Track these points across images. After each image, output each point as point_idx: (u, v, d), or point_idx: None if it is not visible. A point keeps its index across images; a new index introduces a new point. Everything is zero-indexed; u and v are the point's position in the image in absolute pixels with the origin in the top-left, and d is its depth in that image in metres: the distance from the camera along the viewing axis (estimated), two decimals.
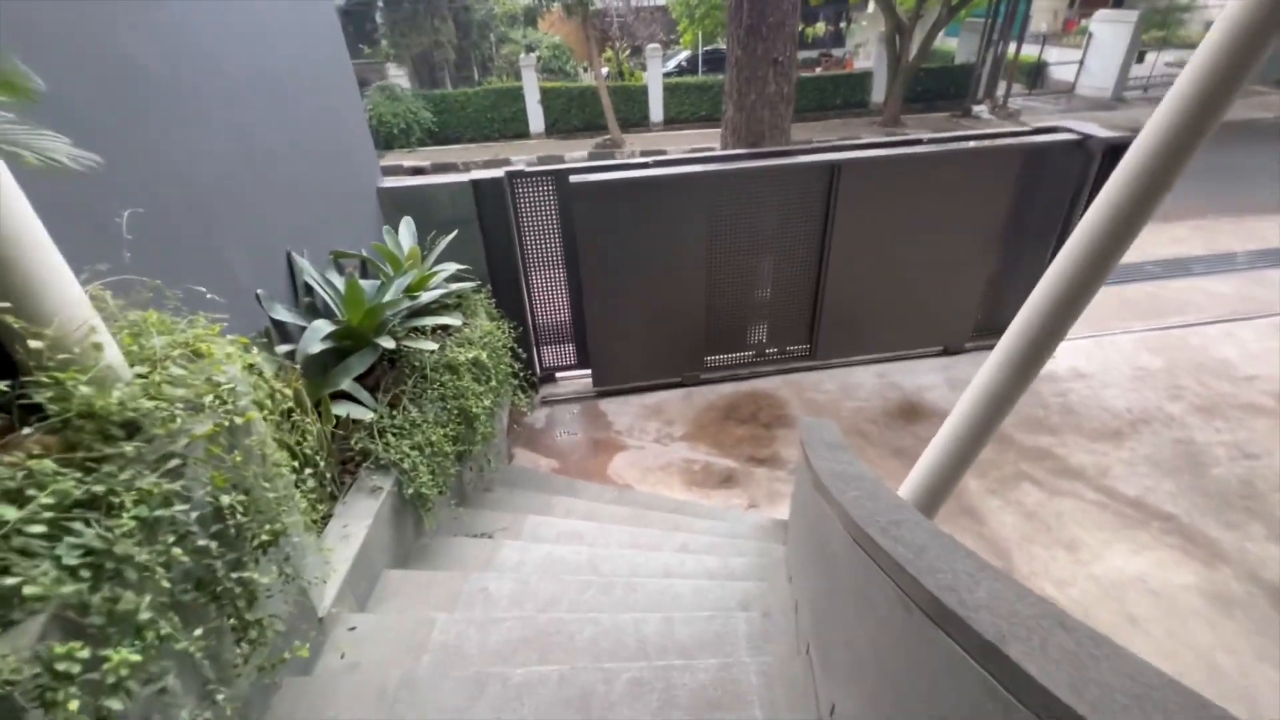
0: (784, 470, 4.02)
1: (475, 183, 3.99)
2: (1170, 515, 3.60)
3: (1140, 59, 17.12)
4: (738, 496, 3.84)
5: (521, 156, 12.70)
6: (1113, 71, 16.62)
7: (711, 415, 4.57)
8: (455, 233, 3.69)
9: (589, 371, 4.77)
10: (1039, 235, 4.67)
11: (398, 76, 14.41)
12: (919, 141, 4.44)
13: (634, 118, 15.56)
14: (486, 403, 3.12)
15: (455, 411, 2.98)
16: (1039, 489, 3.81)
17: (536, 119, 15.07)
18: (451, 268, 3.75)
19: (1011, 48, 15.39)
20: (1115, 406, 4.46)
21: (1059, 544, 3.45)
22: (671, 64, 18.59)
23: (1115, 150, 4.16)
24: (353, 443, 2.57)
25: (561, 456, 4.25)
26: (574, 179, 3.87)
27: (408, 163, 12.81)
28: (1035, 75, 17.68)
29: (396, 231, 3.70)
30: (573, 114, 15.27)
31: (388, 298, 3.04)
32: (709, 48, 18.73)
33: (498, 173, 4.07)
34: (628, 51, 16.69)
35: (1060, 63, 17.98)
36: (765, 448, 4.23)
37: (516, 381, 3.85)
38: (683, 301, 4.44)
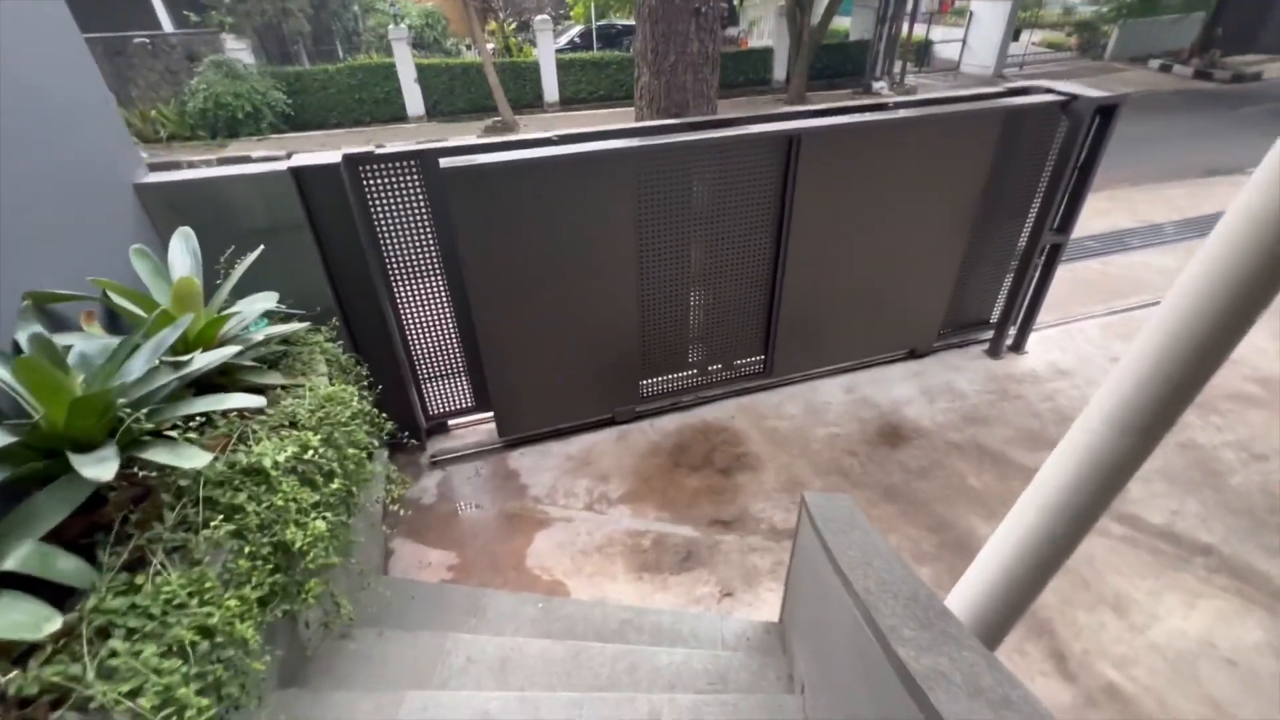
0: (756, 535, 3.11)
1: (297, 172, 2.73)
2: (1208, 547, 3.02)
3: (1016, 37, 17.78)
4: (705, 582, 2.88)
5: (398, 142, 11.02)
6: (993, 50, 17.14)
7: (656, 463, 3.58)
8: (261, 249, 2.42)
9: (492, 414, 3.63)
10: (1012, 214, 4.02)
11: (238, 50, 12.15)
12: (884, 107, 3.62)
13: (526, 98, 14.16)
14: (322, 525, 1.94)
15: (265, 551, 1.79)
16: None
17: (414, 100, 13.31)
18: (264, 302, 2.49)
19: (905, 26, 15.39)
20: None
21: (1104, 603, 2.77)
22: (563, 40, 17.25)
23: (1105, 111, 3.54)
24: (30, 675, 1.33)
25: (461, 545, 3.11)
26: (445, 163, 2.71)
27: (257, 152, 10.79)
28: (923, 53, 17.97)
29: (168, 250, 2.38)
30: (456, 94, 13.63)
31: (135, 371, 1.79)
32: (603, 22, 17.55)
33: (330, 157, 2.81)
34: (514, 25, 15.19)
35: (944, 41, 18.40)
36: (728, 503, 3.30)
37: (387, 448, 2.65)
38: (608, 314, 3.40)
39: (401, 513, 3.17)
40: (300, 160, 2.78)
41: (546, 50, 13.67)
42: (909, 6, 15.11)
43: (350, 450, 2.28)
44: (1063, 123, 3.66)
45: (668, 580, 2.90)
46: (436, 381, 3.64)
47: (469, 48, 16.65)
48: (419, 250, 3.16)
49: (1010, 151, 3.71)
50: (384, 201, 3.00)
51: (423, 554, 3.06)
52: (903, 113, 3.42)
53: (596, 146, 2.92)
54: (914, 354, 4.43)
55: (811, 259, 3.63)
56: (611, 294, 3.33)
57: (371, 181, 2.94)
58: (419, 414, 3.64)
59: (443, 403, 3.72)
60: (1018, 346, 4.44)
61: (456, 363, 3.59)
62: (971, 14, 17.79)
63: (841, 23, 18.85)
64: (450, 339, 3.49)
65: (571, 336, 3.39)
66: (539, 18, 13.30)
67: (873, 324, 4.13)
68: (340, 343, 2.80)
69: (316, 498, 2.00)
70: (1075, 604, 2.77)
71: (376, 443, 2.63)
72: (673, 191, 3.17)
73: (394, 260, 3.16)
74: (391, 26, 12.48)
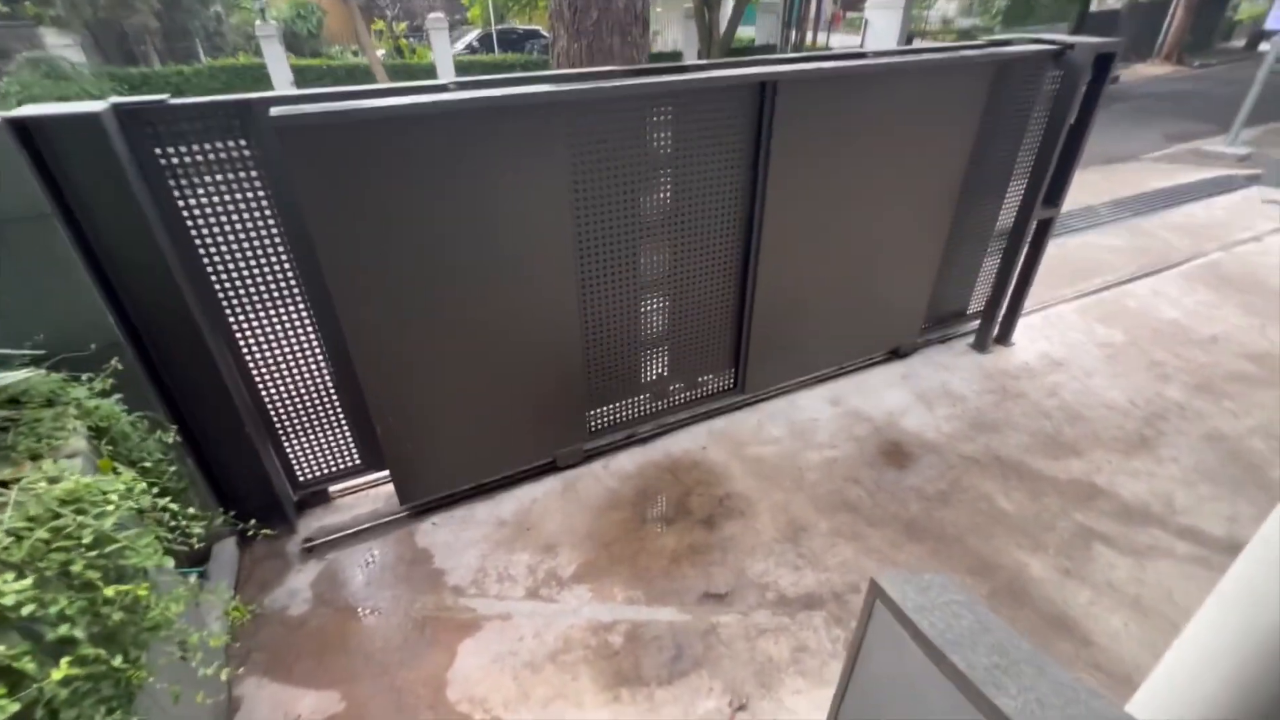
0: (763, 609, 2.33)
1: (25, 127, 1.71)
2: None
3: (909, 42, 18.49)
4: (707, 691, 2.06)
5: None
6: None
7: (618, 520, 2.73)
8: None
9: (388, 473, 2.66)
10: (998, 186, 3.52)
11: (63, 47, 10.23)
12: (863, 55, 3.01)
13: None
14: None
15: None
16: (1118, 552, 2.56)
17: None
18: None
19: (808, 33, 15.54)
20: (1116, 401, 3.47)
21: None
22: (461, 45, 16.17)
23: (1103, 60, 3.09)
24: None
25: (349, 679, 2.12)
26: (278, 113, 1.77)
27: None
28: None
29: None
30: None
31: None
32: (503, 26, 16.63)
33: (88, 106, 1.81)
34: (404, 26, 13.99)
35: (843, 47, 18.88)
36: (718, 566, 2.51)
37: (236, 536, 1.65)
38: (539, 328, 2.55)
39: (247, 623, 2.15)
40: (33, 110, 1.75)
41: (443, 52, 12.60)
42: (812, 13, 15.26)
43: (110, 590, 1.29)
44: (1050, 78, 3.18)
45: (655, 695, 2.05)
46: (306, 436, 2.62)
47: (355, 54, 15.23)
48: (259, 251, 2.18)
49: (998, 111, 3.19)
50: (194, 179, 2.00)
51: (288, 701, 2.05)
52: (885, 60, 2.81)
53: (513, 93, 2.07)
54: (897, 354, 3.85)
55: (787, 246, 2.94)
56: (542, 300, 2.48)
57: (169, 149, 1.94)
58: (282, 483, 2.61)
59: (318, 464, 2.70)
60: (1004, 338, 3.96)
61: (332, 408, 2.59)
62: (866, 22, 18.36)
63: (745, 31, 18.98)
64: (320, 376, 2.50)
65: (492, 360, 2.50)
66: (432, 15, 12.21)
67: (854, 322, 3.49)
68: (122, 397, 1.78)
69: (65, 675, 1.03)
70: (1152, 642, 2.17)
71: (197, 541, 1.63)
72: (620, 159, 2.37)
73: (222, 268, 2.16)
74: (259, 22, 10.99)
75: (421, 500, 2.74)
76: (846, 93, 2.69)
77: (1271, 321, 4.29)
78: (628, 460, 3.05)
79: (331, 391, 2.55)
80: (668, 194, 2.59)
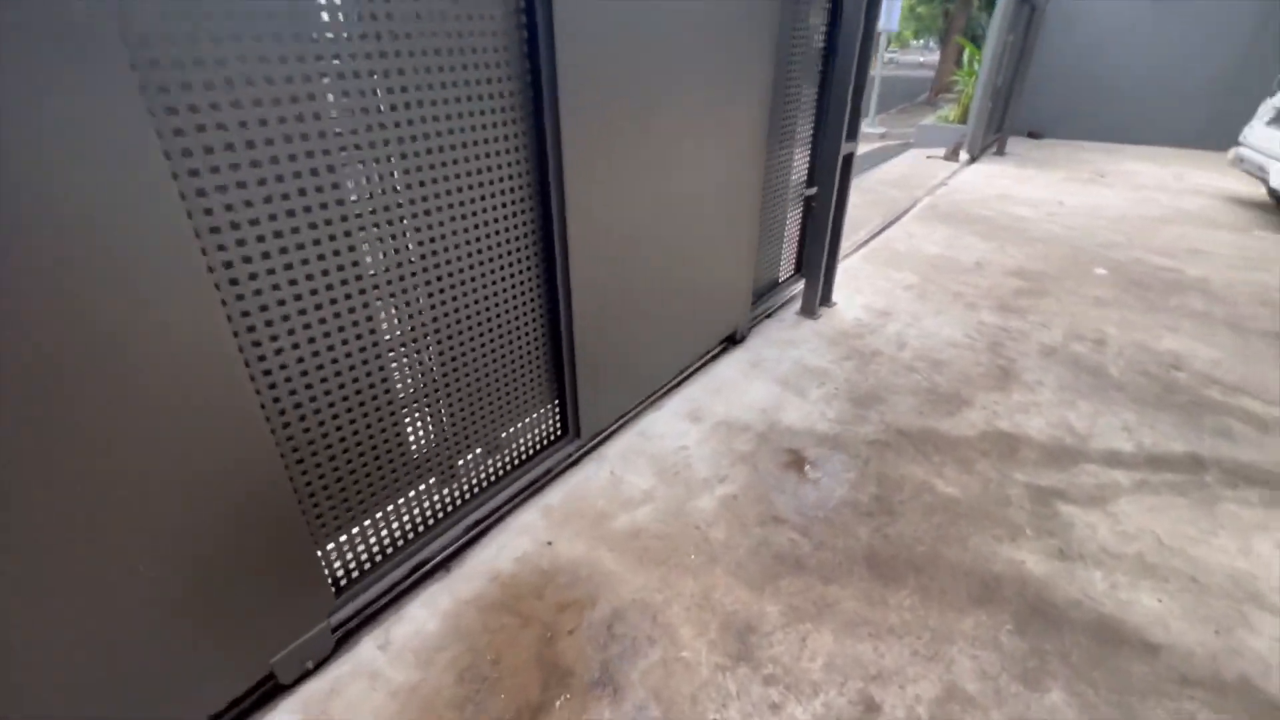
0: None
1: None
2: (1199, 458, 2.34)
3: None
4: None
5: None
6: None
7: None
8: None
9: None
10: (799, 119, 3.02)
11: None
12: None
13: None
14: None
15: None
16: (1079, 506, 2.09)
17: None
18: None
19: None
20: (954, 337, 3.21)
21: (1239, 591, 1.74)
22: None
23: None
24: None
25: None
26: None
27: None
28: None
29: None
30: None
31: None
32: None
33: None
34: None
35: None
36: None
37: None
38: (169, 426, 1.10)
39: None
40: None
41: None
42: None
43: None
44: None
45: None
46: None
47: None
48: None
49: (791, 34, 2.64)
50: None
51: None
52: None
53: None
54: (733, 340, 3.12)
55: (601, 230, 1.93)
56: (152, 377, 1.04)
57: None
58: None
59: None
60: (826, 298, 3.52)
61: None
62: None
63: None
64: None
65: (74, 500, 0.97)
66: None
67: (689, 312, 2.63)
68: None
69: None
70: (1201, 616, 1.67)
71: None
72: (278, 107, 1.08)
73: None
74: None
75: None
76: (641, 16, 1.78)
77: (1004, 242, 4.68)
78: (424, 613, 1.69)
79: None
80: (398, 173, 1.37)
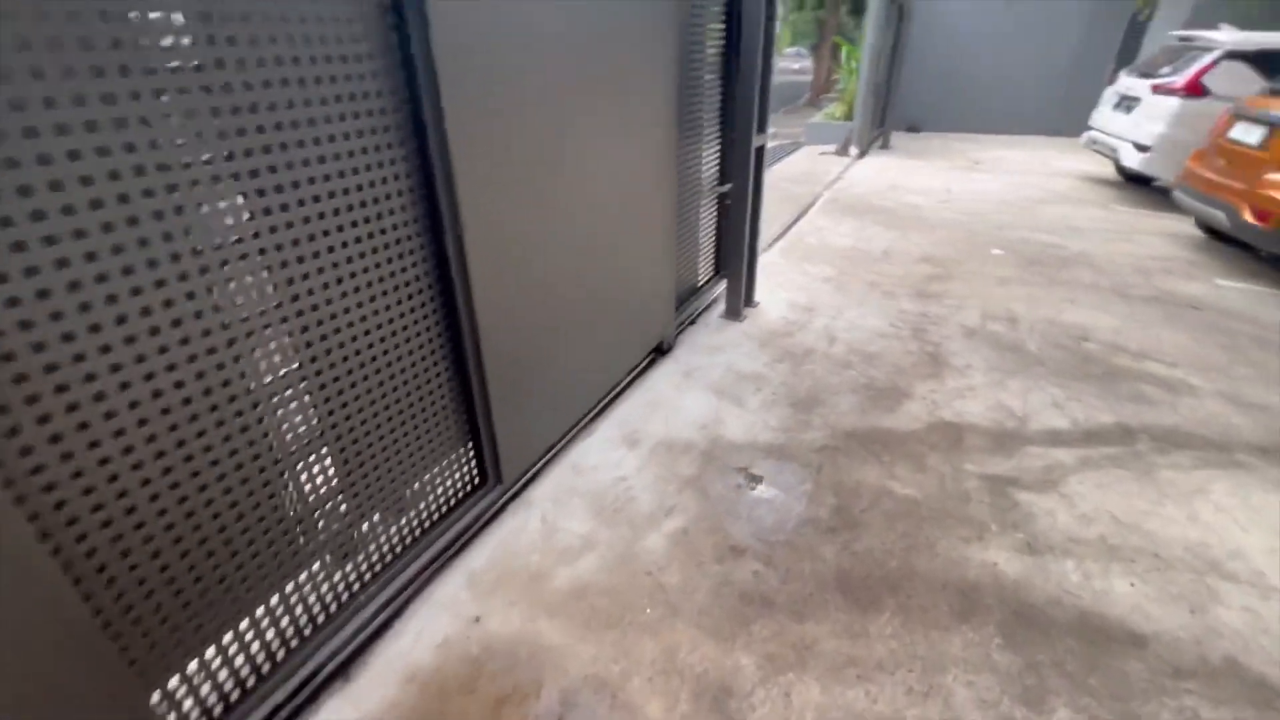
0: None
1: None
2: (1127, 428, 2.37)
3: None
4: None
5: None
6: None
7: None
8: None
9: None
10: (707, 111, 2.85)
11: None
12: None
13: None
14: None
15: None
16: (1035, 492, 2.02)
17: None
18: None
19: None
20: (880, 327, 3.16)
21: (1197, 559, 1.71)
22: None
23: None
24: None
25: None
26: None
27: None
28: None
29: None
30: None
31: None
32: None
33: None
34: None
35: None
36: None
37: None
38: None
39: None
40: None
41: None
42: None
43: None
44: None
45: None
46: None
47: None
48: None
49: (693, 25, 2.46)
50: None
51: None
52: None
53: None
54: (660, 351, 2.90)
55: (507, 240, 1.63)
56: None
57: None
58: None
59: None
60: (749, 298, 3.39)
61: None
62: None
63: None
64: None
65: None
66: None
67: (612, 326, 2.38)
68: None
69: None
70: (1173, 595, 1.63)
71: None
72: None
73: None
74: None
75: None
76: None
77: (906, 230, 4.79)
78: None
79: None
80: (250, 197, 1.02)
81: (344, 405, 1.36)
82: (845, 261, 4.10)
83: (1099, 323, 3.23)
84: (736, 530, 1.87)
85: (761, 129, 2.92)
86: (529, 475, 2.05)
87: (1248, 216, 3.73)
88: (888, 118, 8.63)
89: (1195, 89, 5.17)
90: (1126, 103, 5.83)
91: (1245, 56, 5.03)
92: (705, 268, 3.43)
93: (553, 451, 2.17)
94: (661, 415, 2.42)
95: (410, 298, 1.48)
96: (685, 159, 2.76)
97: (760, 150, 3.00)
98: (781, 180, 6.42)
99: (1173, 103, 5.27)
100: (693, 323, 3.25)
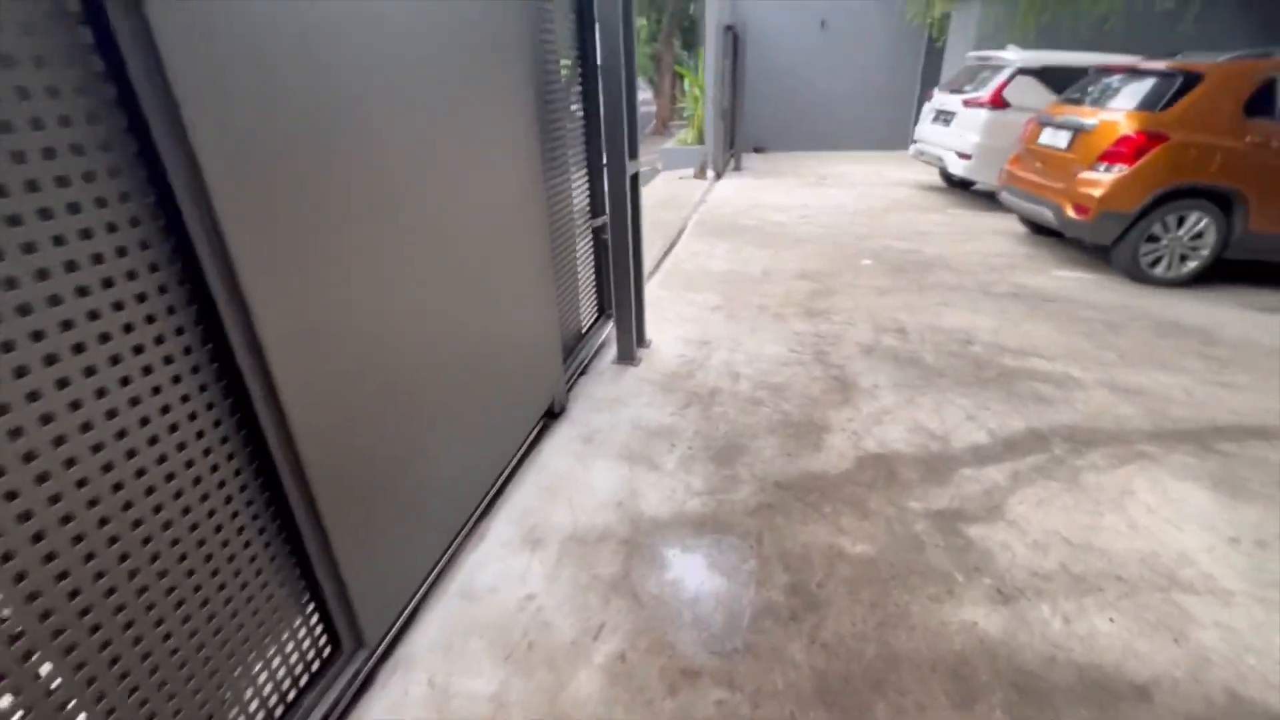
0: None
1: None
2: (1039, 432, 2.33)
3: None
4: None
5: None
6: None
7: None
8: None
9: None
10: (571, 137, 2.52)
11: None
12: None
13: None
14: None
15: None
16: (982, 524, 1.87)
17: None
18: None
19: None
20: (781, 354, 2.99)
21: (1136, 563, 1.62)
22: None
23: None
24: None
25: None
26: None
27: None
28: None
29: None
30: None
31: None
32: None
33: None
34: None
35: None
36: None
37: None
38: None
39: None
40: None
41: None
42: None
43: None
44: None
45: None
46: None
47: None
48: None
49: (545, 51, 2.13)
50: None
51: None
52: None
53: None
54: (552, 414, 2.48)
55: (324, 323, 1.16)
56: None
57: None
58: None
59: None
60: (641, 338, 3.08)
61: None
62: None
63: None
64: None
65: None
66: None
67: (491, 397, 1.93)
68: None
69: None
70: (1151, 624, 1.51)
71: None
72: None
73: None
74: None
75: None
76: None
77: (778, 248, 4.78)
78: None
79: None
80: None
81: (98, 599, 0.82)
82: (728, 286, 3.95)
83: (976, 324, 3.31)
84: (685, 642, 1.50)
85: (634, 154, 2.65)
86: (402, 620, 1.54)
87: (1071, 212, 4.10)
88: (737, 140, 8.92)
89: (999, 102, 5.76)
90: (944, 116, 6.40)
91: (1034, 72, 5.69)
92: (589, 310, 3.08)
93: (432, 577, 1.67)
94: (565, 498, 2.01)
95: (179, 444, 0.96)
96: (554, 194, 2.40)
97: (635, 178, 2.72)
98: (648, 207, 6.25)
99: (983, 114, 5.83)
100: (584, 373, 2.87)
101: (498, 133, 1.82)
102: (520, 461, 2.20)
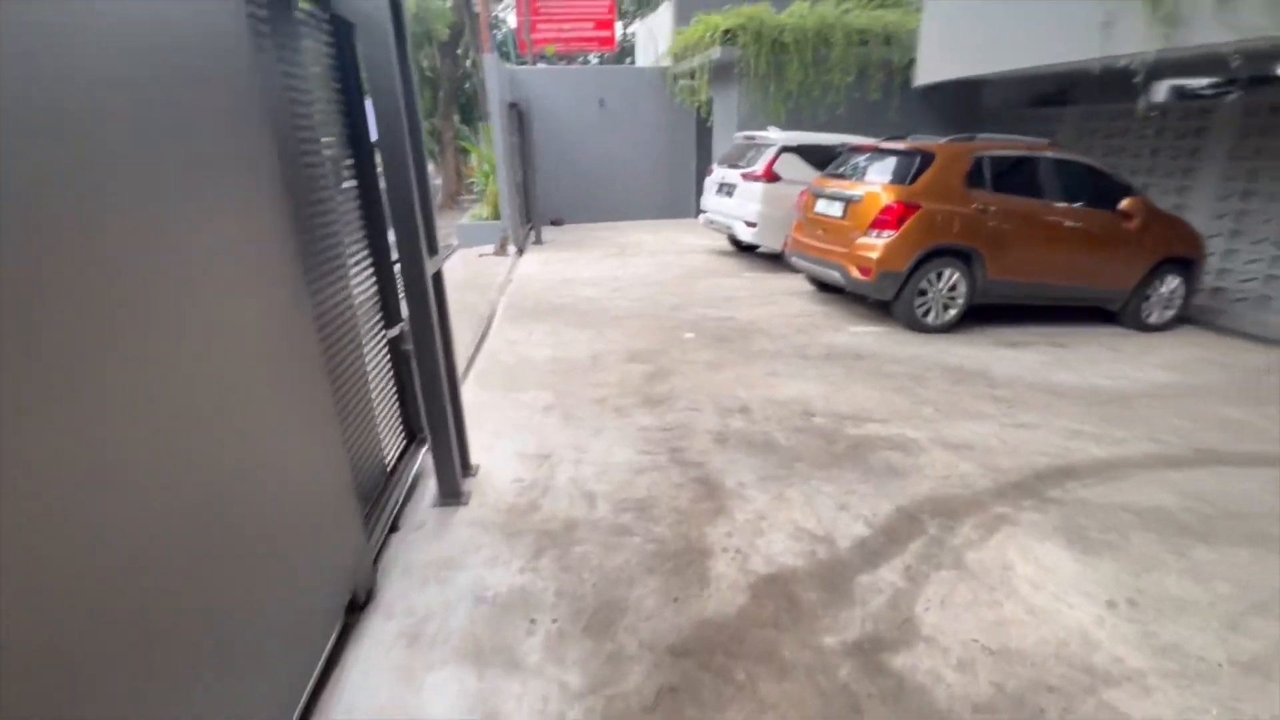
0: None
1: None
2: (909, 513, 2.26)
3: None
4: None
5: None
6: None
7: None
8: None
9: None
10: (337, 228, 1.95)
11: None
12: None
13: None
14: None
15: None
16: (906, 648, 1.65)
17: None
18: None
19: None
20: (632, 459, 2.64)
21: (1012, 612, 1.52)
22: None
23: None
24: None
25: None
26: None
27: None
28: None
29: None
30: None
31: None
32: None
33: None
34: None
35: None
36: None
37: None
38: None
39: None
40: None
41: None
42: None
43: None
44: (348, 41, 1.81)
45: None
46: None
47: None
48: None
49: (300, 134, 1.58)
50: None
51: None
52: None
53: None
54: (357, 606, 1.79)
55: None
56: None
57: None
58: None
59: None
60: (466, 465, 2.51)
61: None
62: None
63: None
64: None
65: None
66: None
67: (242, 603, 1.25)
68: None
69: None
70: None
71: None
72: None
73: None
74: None
75: None
76: None
77: (599, 327, 4.52)
78: None
79: None
80: None
81: None
82: (557, 378, 3.55)
83: (807, 391, 3.32)
84: None
85: (433, 249, 2.16)
86: None
87: (856, 274, 4.48)
88: (534, 214, 8.75)
89: (771, 175, 6.33)
90: (726, 188, 6.88)
91: (795, 149, 6.37)
92: (394, 439, 2.43)
93: None
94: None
95: None
96: (329, 304, 1.80)
97: (438, 277, 2.22)
98: (451, 289, 5.67)
99: (759, 187, 6.36)
100: (395, 529, 2.20)
101: (231, 241, 1.22)
102: (311, 702, 1.49)
